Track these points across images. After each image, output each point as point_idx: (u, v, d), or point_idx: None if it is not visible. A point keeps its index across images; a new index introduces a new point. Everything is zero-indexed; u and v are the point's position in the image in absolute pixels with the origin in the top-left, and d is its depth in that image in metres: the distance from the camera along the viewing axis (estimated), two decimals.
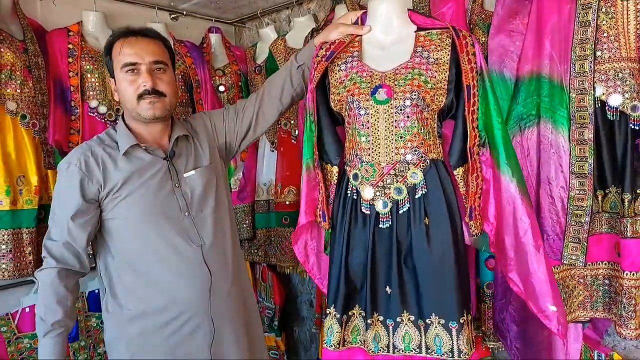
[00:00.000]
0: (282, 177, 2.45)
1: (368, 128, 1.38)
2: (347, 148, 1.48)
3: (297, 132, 2.42)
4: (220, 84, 2.64)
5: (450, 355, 1.32)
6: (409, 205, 1.37)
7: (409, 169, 1.36)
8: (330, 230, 1.50)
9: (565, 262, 1.45)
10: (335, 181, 1.49)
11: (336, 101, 1.45)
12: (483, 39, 1.68)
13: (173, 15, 2.66)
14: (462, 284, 1.35)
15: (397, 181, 1.37)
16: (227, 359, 1.47)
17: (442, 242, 1.34)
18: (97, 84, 2.16)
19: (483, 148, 1.35)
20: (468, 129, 1.33)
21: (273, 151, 2.52)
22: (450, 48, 1.36)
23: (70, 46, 2.13)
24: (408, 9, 1.45)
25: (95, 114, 2.16)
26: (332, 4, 2.32)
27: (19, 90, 1.95)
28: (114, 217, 1.41)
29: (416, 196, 1.36)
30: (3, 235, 1.87)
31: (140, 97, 1.40)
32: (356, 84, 1.40)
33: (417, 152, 1.36)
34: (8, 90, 1.92)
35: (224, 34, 2.77)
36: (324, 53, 1.45)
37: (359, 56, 1.44)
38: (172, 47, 1.58)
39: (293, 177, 2.40)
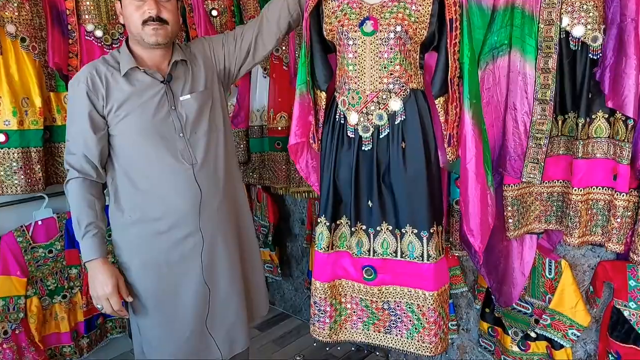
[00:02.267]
0: (275, 103, 2.54)
1: (355, 58, 1.50)
2: (338, 75, 1.60)
3: (289, 58, 2.47)
4: (213, 8, 2.62)
5: (421, 259, 1.54)
6: (388, 131, 1.52)
7: (391, 97, 1.50)
8: (320, 150, 1.66)
9: (524, 180, 1.61)
10: (324, 106, 1.62)
11: (328, 30, 1.55)
12: None
13: None
14: (433, 199, 1.54)
15: (379, 108, 1.51)
16: (219, 265, 1.64)
17: (416, 164, 1.51)
18: (91, 7, 2.19)
19: (462, 79, 1.48)
20: (449, 61, 1.45)
21: (265, 77, 2.59)
22: None
23: None
24: None
25: (92, 37, 2.21)
26: None
27: (16, 13, 1.98)
28: (116, 134, 1.54)
29: (395, 122, 1.52)
30: (14, 154, 1.99)
31: (144, 22, 1.49)
32: (346, 14, 1.50)
33: (398, 82, 1.49)
34: (6, 13, 1.96)
35: None
36: None
37: None
38: None
39: (285, 103, 2.49)
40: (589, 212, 1.55)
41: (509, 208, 1.64)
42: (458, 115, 1.50)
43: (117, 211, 1.58)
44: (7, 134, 1.99)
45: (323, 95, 1.62)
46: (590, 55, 1.48)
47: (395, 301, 1.60)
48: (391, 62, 1.48)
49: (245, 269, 1.75)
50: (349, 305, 1.67)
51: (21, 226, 2.16)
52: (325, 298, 1.64)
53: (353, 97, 1.54)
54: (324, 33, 1.57)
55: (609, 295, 1.67)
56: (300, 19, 1.68)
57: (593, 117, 1.51)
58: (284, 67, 2.51)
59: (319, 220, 1.64)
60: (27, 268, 2.14)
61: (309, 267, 2.71)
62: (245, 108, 2.68)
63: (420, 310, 1.56)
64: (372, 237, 1.60)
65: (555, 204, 1.65)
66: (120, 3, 1.55)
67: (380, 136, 1.53)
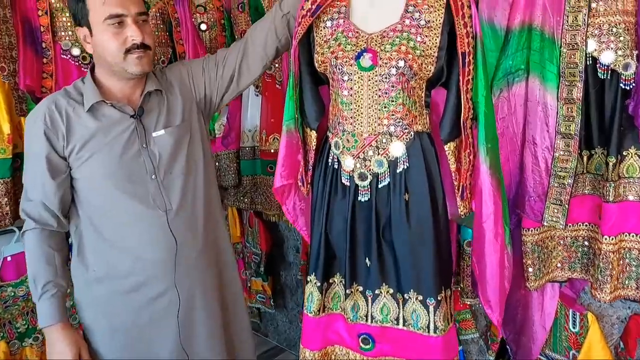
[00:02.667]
0: (267, 124, 2.37)
1: (351, 95, 1.31)
2: (331, 113, 1.41)
3: (282, 76, 2.30)
4: (202, 22, 2.47)
5: (427, 331, 1.34)
6: (389, 180, 1.33)
7: (392, 141, 1.31)
8: (310, 195, 1.48)
9: (545, 224, 1.43)
10: (314, 146, 1.43)
11: (320, 62, 1.37)
12: None
13: None
14: (441, 261, 1.34)
15: (379, 154, 1.32)
16: (198, 328, 1.46)
17: (422, 219, 1.31)
18: (68, 23, 2.03)
19: (476, 121, 1.29)
20: (462, 101, 1.26)
21: (257, 95, 2.43)
22: (444, 9, 1.26)
23: None
24: None
25: (69, 56, 2.03)
26: None
27: None
28: (79, 177, 1.37)
29: (397, 170, 1.32)
30: None
31: (127, 51, 1.31)
32: (341, 45, 1.31)
33: (400, 124, 1.30)
34: None
35: None
36: (309, 7, 1.34)
37: (346, 12, 1.34)
38: None
39: (278, 124, 2.20)
40: (621, 262, 1.37)
41: (529, 255, 1.46)
42: (472, 163, 1.31)
43: (81, 266, 1.40)
44: None
45: (313, 134, 1.43)
46: (621, 84, 1.30)
47: None
48: (393, 101, 1.29)
49: (228, 331, 1.55)
50: None
51: None
52: None
53: (348, 140, 1.34)
54: (315, 64, 1.39)
55: None
56: (289, 43, 1.49)
57: (625, 154, 1.33)
58: (277, 86, 2.34)
59: (308, 279, 1.44)
60: None
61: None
62: (236, 128, 2.52)
63: None
64: (370, 300, 1.39)
65: (580, 249, 1.47)
66: (90, 30, 1.34)
67: (380, 185, 1.34)
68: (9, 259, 2.01)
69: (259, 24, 1.53)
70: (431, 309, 1.32)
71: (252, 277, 2.68)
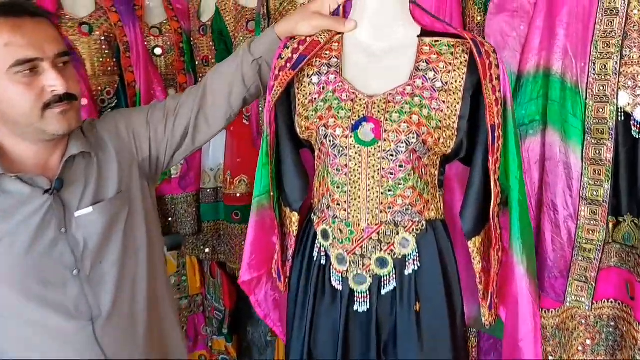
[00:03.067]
0: (232, 164, 2.12)
1: (345, 175, 1.03)
2: (316, 191, 1.13)
3: (249, 109, 2.04)
4: (157, 46, 2.22)
5: None
6: (395, 285, 1.05)
7: (398, 233, 1.03)
8: (288, 293, 1.18)
9: (568, 304, 1.22)
10: (295, 231, 1.14)
11: (303, 127, 1.08)
12: (479, 18, 1.36)
13: None
14: None
15: (381, 249, 1.04)
16: None
17: (437, 335, 1.05)
18: None
19: (505, 207, 1.05)
20: (491, 185, 1.01)
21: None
22: (466, 69, 1.01)
23: None
24: (411, 2, 1.07)
25: None
26: None
27: None
28: None
29: (405, 272, 1.04)
30: None
31: (47, 106, 0.99)
32: (332, 109, 1.03)
33: (409, 212, 1.03)
34: None
35: None
36: (290, 56, 1.06)
37: (338, 66, 1.06)
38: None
39: (245, 164, 2.08)
40: None
41: (550, 342, 1.25)
42: (500, 260, 1.06)
43: None
44: None
45: (294, 216, 1.13)
46: None
47: None
48: (400, 184, 1.02)
49: None
50: None
51: None
52: None
53: (341, 231, 1.06)
54: (297, 129, 1.10)
55: None
56: (260, 92, 1.21)
57: None
58: (244, 121, 2.09)
59: None
60: None
61: (275, 358, 2.28)
62: (196, 167, 2.25)
63: None
64: None
65: (605, 330, 1.28)
66: None
67: (383, 292, 1.06)
68: None
69: (221, 68, 1.23)
70: None
71: (214, 335, 2.39)
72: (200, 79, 2.25)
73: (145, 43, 2.14)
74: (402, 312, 1.05)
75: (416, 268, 1.05)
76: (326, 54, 1.07)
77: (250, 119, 2.06)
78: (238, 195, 2.11)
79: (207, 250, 2.25)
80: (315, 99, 1.06)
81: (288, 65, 1.05)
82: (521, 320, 1.04)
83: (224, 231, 2.21)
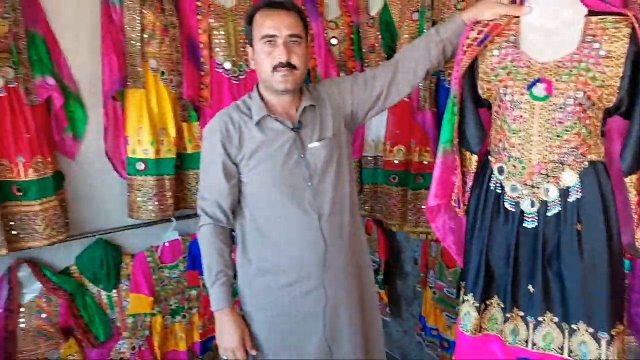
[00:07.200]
0: (392, 134, 2.45)
1: (520, 123, 1.31)
2: (493, 137, 1.42)
3: None
4: (333, 37, 2.63)
5: None
6: (559, 209, 1.30)
7: (564, 169, 1.28)
8: (466, 216, 1.51)
9: None
10: (474, 170, 1.46)
11: (485, 89, 1.39)
12: None
13: None
14: (615, 295, 1.29)
15: (548, 181, 1.30)
16: (342, 326, 1.58)
17: (596, 251, 1.26)
18: (223, 40, 2.27)
19: None
20: None
21: None
22: (628, 40, 1.20)
23: (199, 3, 2.22)
24: None
25: (221, 69, 2.28)
26: None
27: (158, 49, 2.11)
28: (246, 181, 1.54)
29: (569, 199, 1.29)
30: (150, 181, 2.09)
31: (274, 68, 1.48)
32: (510, 74, 1.32)
33: (574, 153, 1.27)
34: (150, 49, 2.09)
35: None
36: (476, 36, 1.37)
37: (516, 42, 1.34)
38: (304, 15, 1.62)
39: (403, 135, 2.40)
40: None
41: None
42: None
43: (245, 260, 1.59)
44: (146, 163, 2.09)
45: (474, 158, 1.45)
46: None
47: None
48: (567, 130, 1.26)
49: (365, 332, 1.66)
50: None
51: (151, 247, 2.27)
52: None
53: (515, 166, 1.34)
54: (479, 90, 1.41)
55: None
56: (440, 66, 1.58)
57: None
58: (405, 99, 2.36)
59: (465, 299, 1.47)
60: (154, 287, 2.24)
61: (422, 312, 2.58)
62: (360, 137, 2.62)
63: None
64: (531, 326, 1.37)
65: None
66: (253, 48, 1.55)
67: (548, 213, 1.31)
68: (167, 244, 2.28)
69: (410, 47, 1.62)
70: (603, 343, 1.27)
71: None
72: (365, 65, 2.65)
73: (325, 35, 2.57)
74: (565, 230, 1.29)
75: (578, 197, 1.28)
76: (505, 33, 1.36)
77: (411, 96, 2.33)
78: (396, 161, 2.43)
79: (366, 207, 2.58)
80: (496, 67, 1.36)
81: (474, 42, 1.37)
82: None
83: (381, 193, 2.53)
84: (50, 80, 1.93)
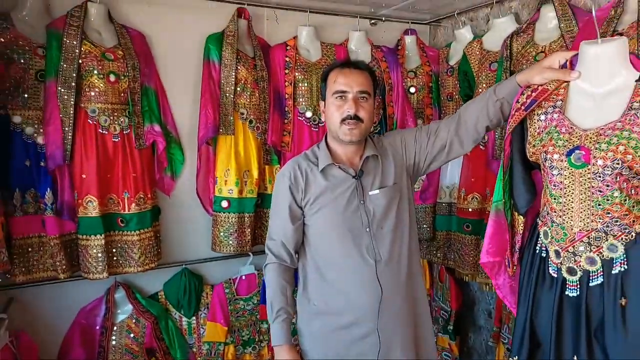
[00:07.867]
0: (467, 182, 2.45)
1: (561, 189, 1.30)
2: (542, 200, 1.42)
3: (487, 137, 2.35)
4: (412, 86, 2.72)
5: None
6: (602, 280, 1.25)
7: (607, 239, 1.24)
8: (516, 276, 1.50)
9: None
10: (521, 230, 1.46)
11: (531, 152, 1.40)
12: None
13: (372, 21, 2.81)
14: None
15: (590, 251, 1.26)
16: None
17: None
18: (306, 91, 2.48)
19: None
20: None
21: None
22: None
23: (287, 59, 2.46)
24: (630, 53, 1.27)
25: (303, 118, 2.48)
26: (537, 3, 2.18)
27: (248, 100, 2.36)
28: (310, 224, 1.66)
29: (613, 271, 1.24)
30: (232, 218, 2.31)
31: (343, 121, 1.60)
32: (552, 139, 1.32)
33: (618, 223, 1.23)
34: (241, 100, 2.34)
35: (418, 35, 2.84)
36: (525, 100, 1.39)
37: (562, 107, 1.34)
38: (375, 74, 1.74)
39: (478, 184, 2.40)
40: None
41: None
42: None
43: (304, 299, 1.68)
44: (230, 201, 2.31)
45: (521, 219, 1.45)
46: None
47: None
48: (608, 200, 1.22)
49: None
50: None
51: (229, 279, 2.46)
52: None
53: (557, 232, 1.31)
54: (527, 153, 1.41)
55: None
56: (500, 123, 1.60)
57: None
58: (481, 147, 2.40)
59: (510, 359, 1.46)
60: (229, 317, 2.41)
61: None
62: (435, 184, 2.65)
63: None
64: None
65: None
66: (324, 102, 1.69)
67: (591, 284, 1.27)
68: (243, 277, 2.46)
69: (471, 104, 1.65)
70: None
71: (439, 333, 2.71)
72: (443, 112, 2.71)
73: (404, 84, 2.67)
74: (608, 303, 1.23)
75: (623, 269, 1.22)
76: (553, 98, 1.36)
77: (487, 144, 2.36)
78: (470, 210, 2.41)
79: (439, 254, 2.58)
80: (541, 132, 1.36)
81: (522, 107, 1.39)
82: None
83: (454, 240, 2.52)
84: (157, 127, 2.23)
